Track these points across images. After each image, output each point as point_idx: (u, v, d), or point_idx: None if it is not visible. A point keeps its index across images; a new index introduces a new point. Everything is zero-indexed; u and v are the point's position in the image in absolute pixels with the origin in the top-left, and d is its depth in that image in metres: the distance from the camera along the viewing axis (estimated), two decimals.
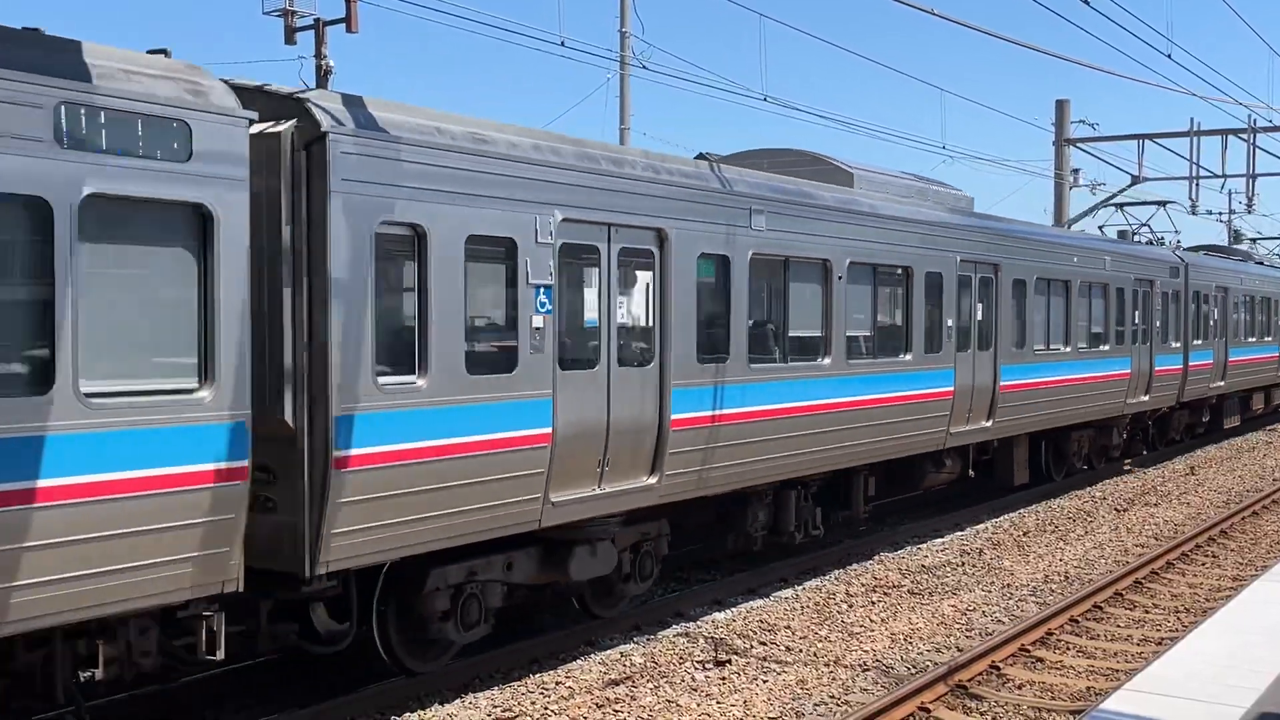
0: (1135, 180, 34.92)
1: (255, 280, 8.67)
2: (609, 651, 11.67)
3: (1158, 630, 12.70)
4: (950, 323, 17.08)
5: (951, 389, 17.15)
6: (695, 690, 10.44)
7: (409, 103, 10.02)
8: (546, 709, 9.90)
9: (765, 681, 10.70)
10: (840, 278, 14.66)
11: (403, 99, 10.42)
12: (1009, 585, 14.69)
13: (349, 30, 21.54)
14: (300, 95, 8.95)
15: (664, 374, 12.05)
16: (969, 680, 10.65)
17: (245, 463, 8.28)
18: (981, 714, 10.02)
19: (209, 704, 10.12)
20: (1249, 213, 37.20)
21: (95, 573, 7.53)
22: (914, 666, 11.24)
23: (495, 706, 9.97)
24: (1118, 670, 11.15)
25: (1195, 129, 33.49)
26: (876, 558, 16.26)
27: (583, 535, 11.47)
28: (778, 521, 14.63)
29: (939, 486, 18.91)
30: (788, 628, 12.49)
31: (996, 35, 15.02)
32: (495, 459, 10.23)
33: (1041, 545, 17.23)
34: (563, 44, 18.24)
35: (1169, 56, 20.23)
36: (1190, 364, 27.22)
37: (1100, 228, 35.18)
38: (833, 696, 10.33)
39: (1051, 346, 20.45)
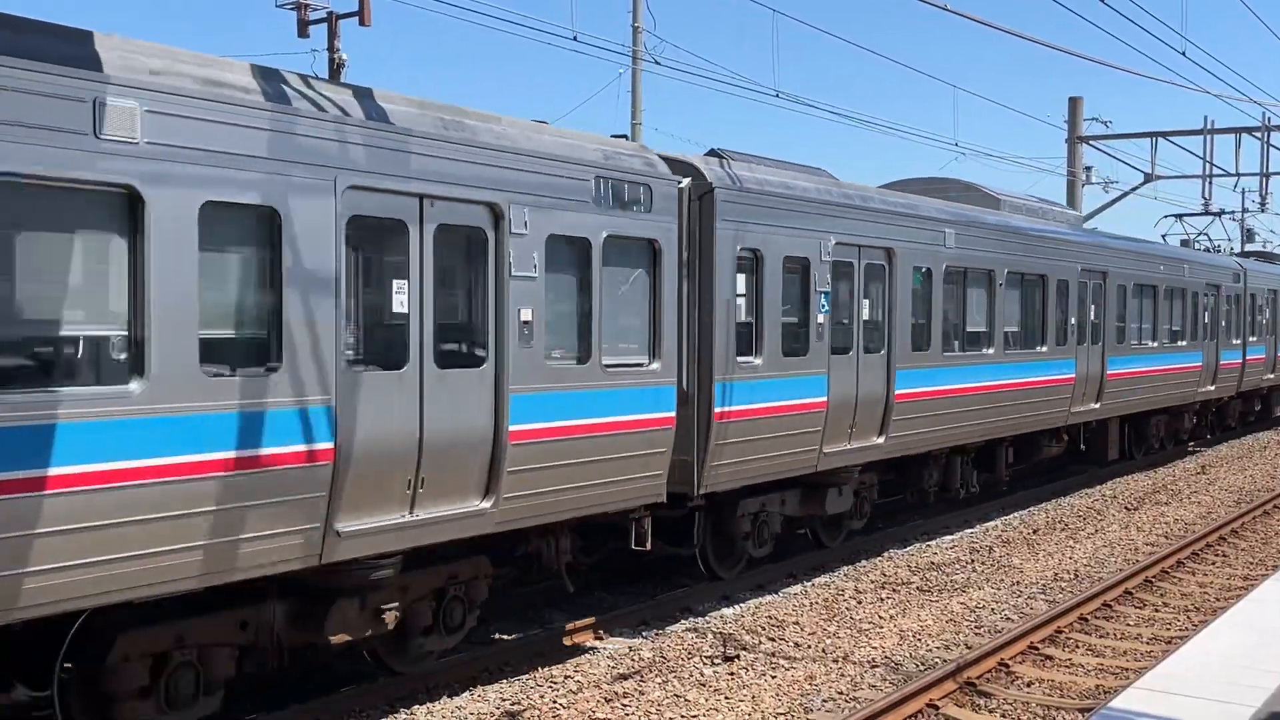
0: (1148, 178, 34.81)
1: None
2: (617, 645, 11.68)
3: (1168, 629, 12.68)
4: (1073, 321, 20.74)
5: (1074, 376, 20.81)
6: (704, 685, 10.45)
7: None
8: (555, 702, 9.91)
9: (774, 677, 10.70)
10: (1000, 284, 18.33)
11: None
12: (1018, 583, 14.67)
13: (362, 24, 21.59)
14: (694, 161, 12.89)
15: (890, 359, 15.70)
16: (978, 678, 10.64)
17: (674, 414, 11.98)
18: (990, 711, 10.01)
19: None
20: (1262, 211, 37.09)
21: (608, 480, 11.28)
22: (923, 663, 11.23)
23: (504, 700, 9.99)
24: (1127, 669, 11.13)
25: (1209, 127, 33.38)
26: (886, 554, 16.25)
27: (834, 480, 15.01)
28: (946, 480, 18.15)
29: (1051, 457, 22.00)
30: (796, 624, 12.49)
31: (1010, 31, 14.98)
32: (793, 419, 13.89)
33: (1051, 543, 17.20)
34: (575, 39, 18.23)
35: (1183, 54, 20.15)
36: (1247, 358, 30.77)
37: (1163, 236, 40.07)
38: (841, 693, 10.33)
39: (1142, 342, 24.07)
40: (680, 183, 12.07)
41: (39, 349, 7.24)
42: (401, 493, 9.24)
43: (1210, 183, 34.62)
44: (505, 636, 11.97)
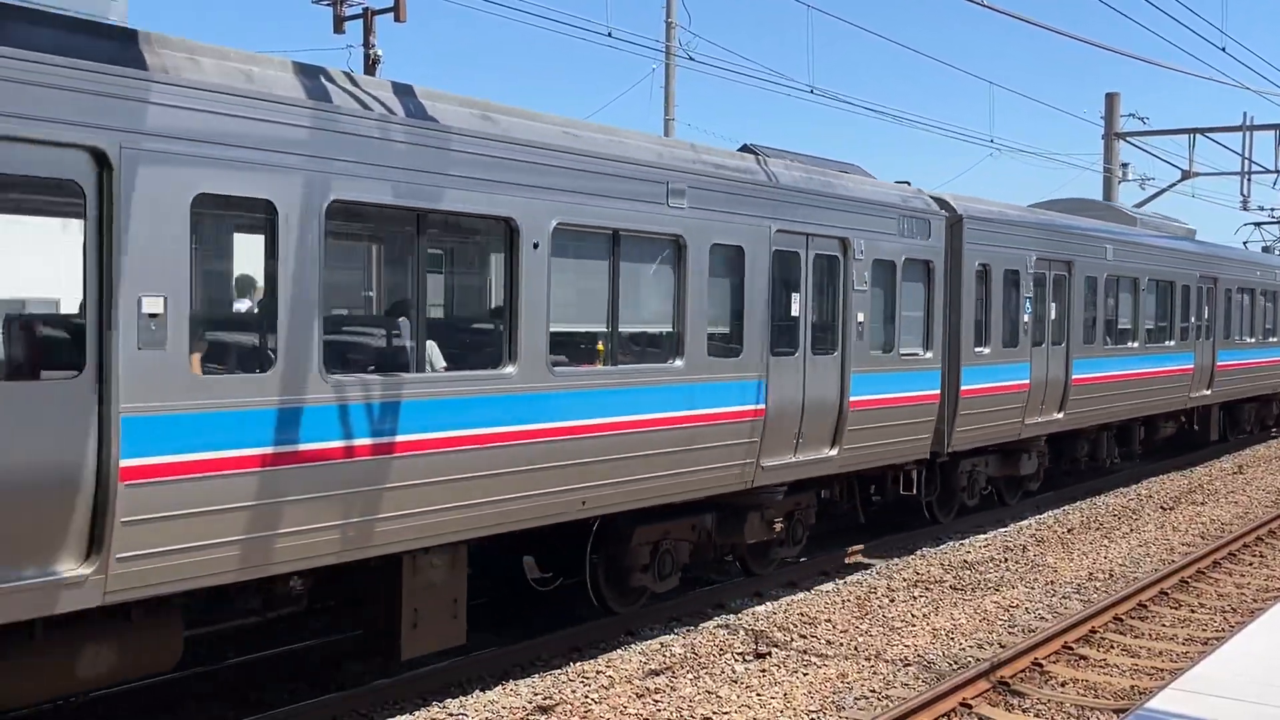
0: (1186, 175, 34.51)
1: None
2: (649, 641, 11.69)
3: (1204, 630, 12.57)
4: (1192, 319, 24.66)
5: (1192, 366, 24.69)
6: (735, 682, 10.44)
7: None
8: (587, 698, 9.92)
9: (805, 674, 10.68)
10: (1142, 289, 22.22)
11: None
12: (1052, 582, 14.59)
13: (397, 19, 21.69)
14: (945, 197, 16.55)
15: (1069, 350, 19.44)
16: (1011, 677, 10.59)
17: (939, 391, 15.87)
18: (1024, 711, 9.96)
19: (253, 688, 10.21)
20: None
21: (901, 440, 15.12)
22: (956, 662, 11.19)
23: (536, 694, 10.01)
24: (1163, 669, 11.04)
25: (1249, 123, 33.04)
26: (918, 552, 16.18)
27: (1026, 447, 18.90)
28: (1094, 454, 21.92)
29: (1165, 438, 25.45)
30: (828, 621, 12.46)
31: (1046, 27, 14.88)
32: (1006, 397, 17.65)
33: (1086, 543, 17.09)
34: (610, 34, 18.23)
35: (1223, 50, 19.94)
36: None
37: (1244, 243, 43.99)
38: (873, 691, 10.30)
39: (1243, 338, 27.97)
40: (945, 215, 16.13)
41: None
42: (790, 441, 13.30)
43: (1249, 180, 34.27)
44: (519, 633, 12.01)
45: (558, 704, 9.74)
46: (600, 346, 11.14)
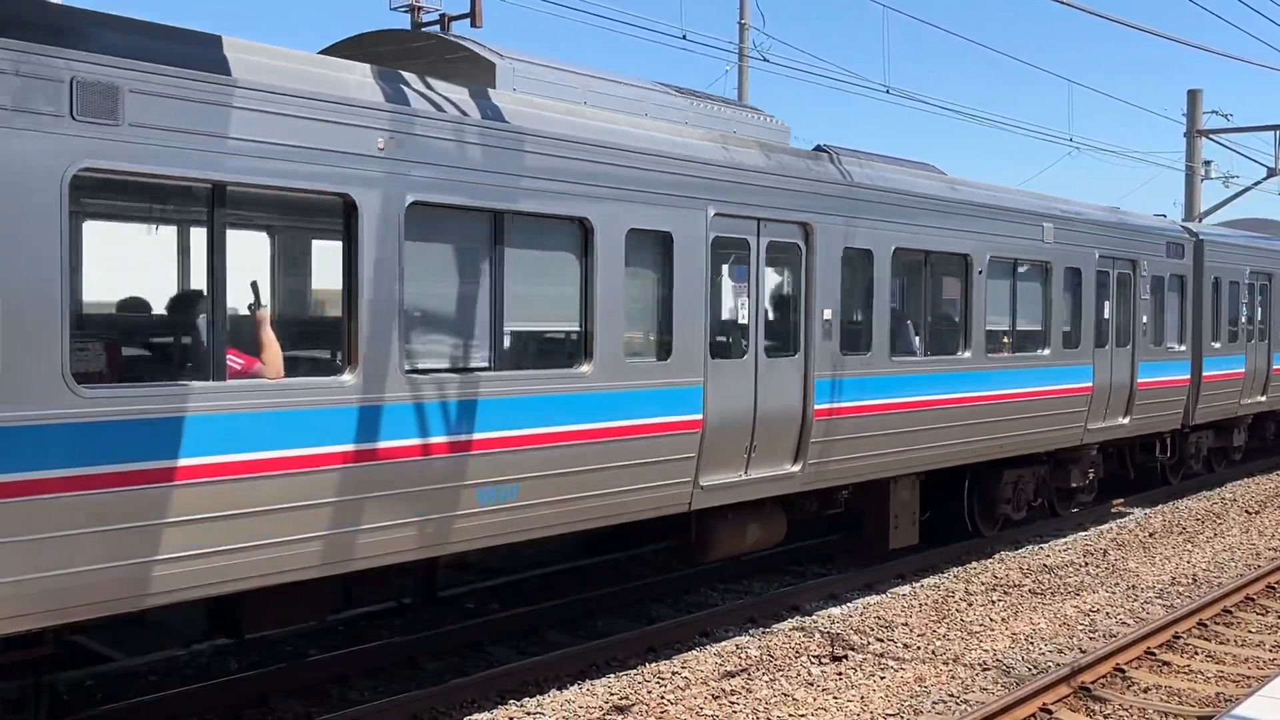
0: (1272, 173, 33.81)
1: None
2: (724, 643, 11.69)
3: None
4: None
5: None
6: (811, 685, 10.41)
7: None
8: (663, 698, 9.95)
9: (883, 678, 10.63)
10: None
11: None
12: (1134, 587, 14.37)
13: (474, 25, 21.82)
14: (1188, 226, 20.26)
15: (1270, 345, 22.80)
16: (1092, 682, 10.45)
17: (1189, 376, 19.74)
18: (1106, 717, 9.83)
19: (335, 680, 10.36)
20: None
21: (1162, 414, 19.08)
22: (1035, 667, 11.07)
23: (612, 694, 10.06)
24: (1249, 676, 10.84)
25: None
26: (996, 556, 16.02)
27: (1238, 424, 22.75)
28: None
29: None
30: (905, 624, 12.38)
31: (1127, 24, 14.66)
32: (1228, 382, 21.16)
33: (1168, 547, 16.81)
34: (684, 37, 18.25)
35: None
36: None
37: None
38: (952, 695, 10.22)
39: None
40: (1192, 240, 20.35)
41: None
42: (1102, 412, 17.76)
43: None
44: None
45: (634, 704, 9.78)
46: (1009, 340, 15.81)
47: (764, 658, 11.14)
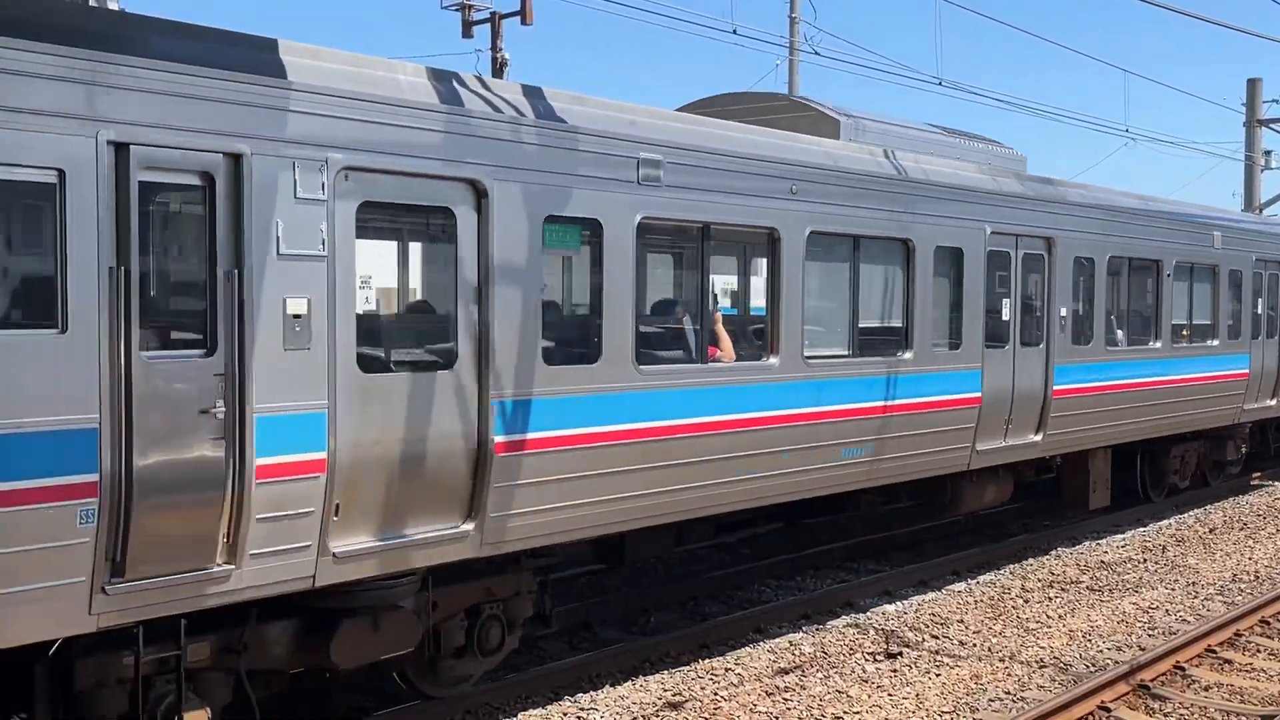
0: None
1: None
2: (778, 640, 11.65)
3: None
4: None
5: None
6: (866, 682, 10.35)
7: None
8: (716, 695, 9.94)
9: (938, 675, 10.55)
10: None
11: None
12: (1194, 584, 14.17)
13: (524, 23, 21.93)
14: None
15: None
16: (1152, 680, 10.32)
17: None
18: (1166, 715, 9.70)
19: (386, 679, 10.42)
20: None
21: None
22: (1093, 664, 10.94)
23: (665, 690, 10.06)
24: None
25: None
26: (1053, 552, 15.86)
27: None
28: None
29: None
30: (961, 621, 12.29)
31: (1185, 13, 14.45)
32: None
33: (1229, 543, 16.56)
34: (734, 31, 18.22)
35: None
36: None
37: None
38: (1008, 692, 10.13)
39: None
40: None
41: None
42: (1255, 395, 20.03)
43: None
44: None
45: (687, 700, 9.77)
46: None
47: (818, 654, 11.10)
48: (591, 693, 10.03)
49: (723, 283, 11.79)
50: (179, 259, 7.42)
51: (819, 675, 10.49)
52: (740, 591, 13.69)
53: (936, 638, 11.72)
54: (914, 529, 16.51)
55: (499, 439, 8.80)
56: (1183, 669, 10.72)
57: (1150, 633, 12.05)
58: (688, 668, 10.72)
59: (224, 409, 7.32)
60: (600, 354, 9.65)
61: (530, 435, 9.05)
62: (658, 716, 9.44)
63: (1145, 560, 15.37)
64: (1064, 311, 15.08)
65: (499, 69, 22.41)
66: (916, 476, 13.22)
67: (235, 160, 7.35)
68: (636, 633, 12.10)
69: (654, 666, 10.93)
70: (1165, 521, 18.23)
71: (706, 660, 10.95)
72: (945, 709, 9.69)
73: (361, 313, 8.22)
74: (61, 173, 6.62)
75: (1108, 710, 9.65)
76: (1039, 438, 14.76)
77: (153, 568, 7.05)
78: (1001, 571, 14.72)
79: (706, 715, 9.48)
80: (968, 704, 9.82)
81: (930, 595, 13.53)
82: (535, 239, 9.07)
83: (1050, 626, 12.19)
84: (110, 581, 6.91)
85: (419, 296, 9.28)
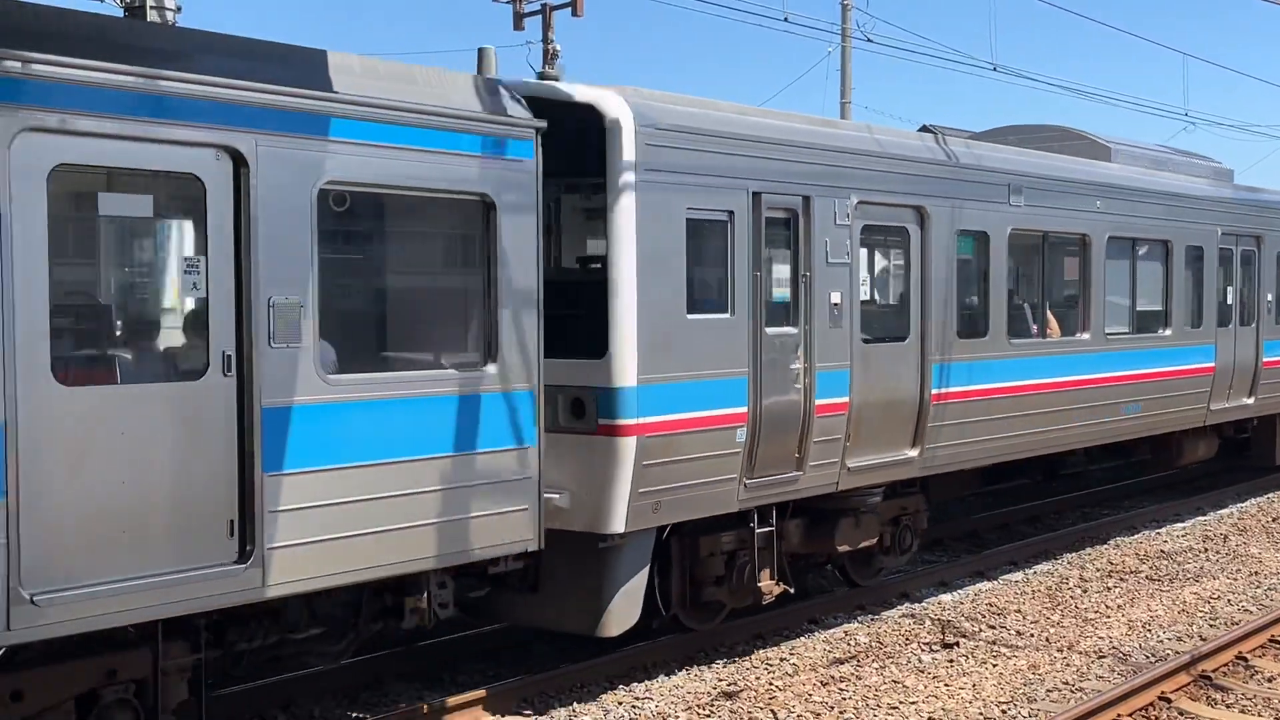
0: None
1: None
2: (833, 630, 11.62)
3: None
4: None
5: None
6: (922, 672, 10.30)
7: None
8: (771, 684, 9.93)
9: (995, 665, 10.47)
10: None
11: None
12: (1257, 573, 13.96)
13: (575, 14, 21.93)
14: None
15: None
16: (1214, 671, 10.19)
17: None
18: (1228, 706, 9.58)
19: (445, 665, 10.50)
20: None
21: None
22: (1153, 655, 10.82)
23: (721, 680, 10.06)
24: None
25: None
26: (1112, 542, 15.69)
27: None
28: None
29: None
30: (1018, 611, 12.19)
31: None
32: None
33: None
34: (786, 19, 18.14)
35: None
36: None
37: None
38: (1066, 683, 10.04)
39: None
40: None
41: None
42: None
43: None
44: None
45: (742, 690, 9.77)
46: None
47: (873, 645, 11.06)
48: (646, 682, 10.05)
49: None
50: (780, 266, 10.66)
51: (874, 665, 10.45)
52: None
53: (993, 628, 11.64)
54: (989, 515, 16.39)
55: (934, 391, 12.17)
56: (1245, 659, 10.58)
57: (1212, 623, 11.90)
58: (743, 657, 10.72)
59: (803, 365, 10.66)
60: (988, 330, 12.92)
61: (949, 389, 12.41)
62: (713, 706, 9.45)
63: (1206, 549, 15.17)
64: (1270, 297, 18.37)
65: (550, 61, 22.45)
66: (1169, 430, 16.27)
67: (806, 201, 10.68)
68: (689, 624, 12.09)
69: (708, 656, 10.93)
70: (1226, 510, 17.97)
71: (761, 650, 10.95)
72: (1002, 699, 9.63)
73: (864, 301, 11.61)
74: (730, 213, 10.03)
75: (1168, 701, 9.55)
76: (1251, 400, 17.89)
77: (767, 471, 10.43)
78: (1059, 561, 14.59)
79: (761, 705, 9.48)
80: (1025, 694, 9.75)
81: (986, 585, 13.43)
82: (951, 248, 12.27)
83: (1109, 616, 12.06)
84: (748, 479, 10.21)
85: (887, 291, 12.70)
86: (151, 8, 9.48)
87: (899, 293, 12.35)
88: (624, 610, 9.61)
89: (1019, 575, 13.88)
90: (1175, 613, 12.25)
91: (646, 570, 9.72)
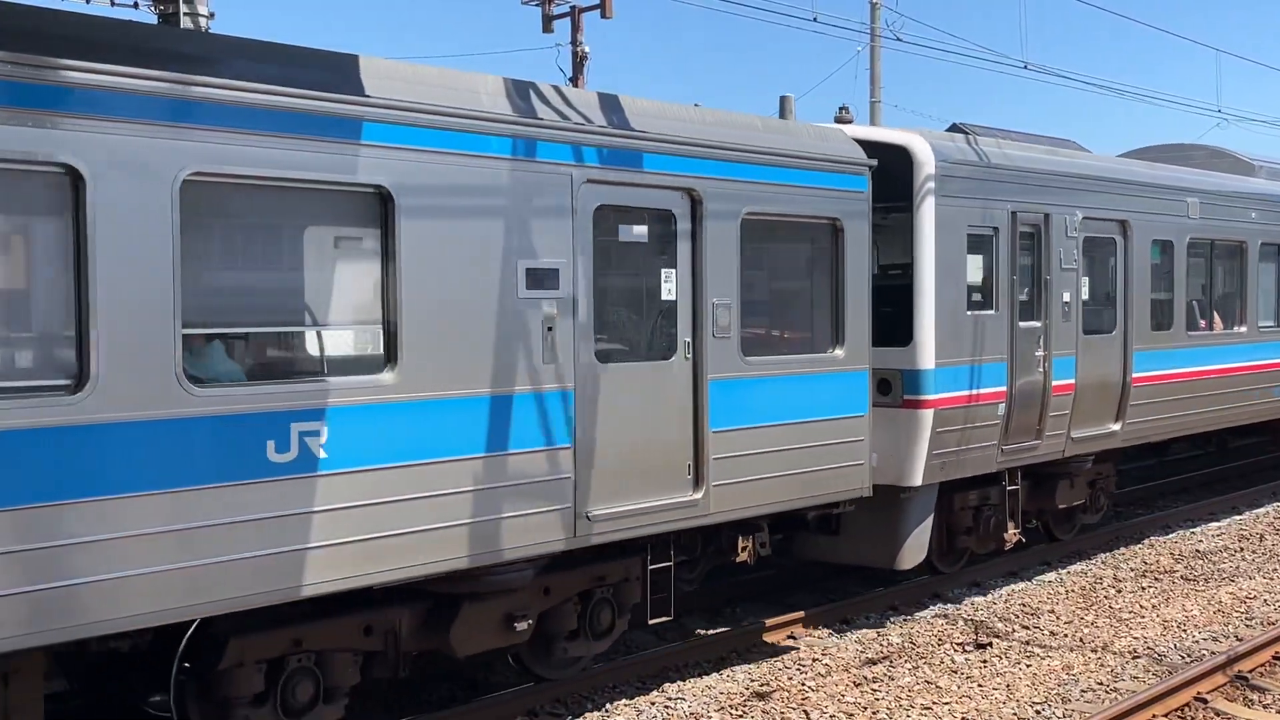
0: None
1: None
2: (866, 630, 11.60)
3: None
4: None
5: None
6: (955, 672, 10.28)
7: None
8: (804, 685, 9.93)
9: (1029, 665, 10.44)
10: None
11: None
12: None
13: (604, 16, 21.99)
14: None
15: None
16: (1250, 671, 10.12)
17: None
18: (1265, 707, 9.51)
19: (478, 665, 10.56)
20: None
21: None
22: (1189, 655, 10.76)
23: (753, 680, 10.07)
24: None
25: None
26: (1146, 541, 15.59)
27: None
28: None
29: None
30: (1051, 612, 12.14)
31: None
32: None
33: None
34: (815, 19, 18.12)
35: None
36: None
37: None
38: (1101, 683, 9.99)
39: None
40: None
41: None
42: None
43: None
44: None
45: (774, 690, 9.78)
46: None
47: (906, 645, 11.04)
48: (679, 682, 10.07)
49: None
50: (1026, 271, 13.02)
51: (907, 666, 10.44)
52: (827, 582, 13.64)
53: (1027, 628, 11.60)
54: None
55: (1134, 375, 14.54)
56: None
57: (1248, 623, 11.82)
58: (775, 658, 10.72)
59: (1044, 353, 13.11)
60: (1171, 324, 15.27)
61: (1144, 374, 14.67)
62: (745, 706, 9.46)
63: (1242, 549, 15.06)
64: None
65: (579, 63, 22.51)
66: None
67: (1047, 218, 13.14)
68: (722, 623, 12.12)
69: (741, 657, 10.95)
70: (1262, 509, 17.82)
71: (794, 650, 10.94)
72: (1036, 699, 9.59)
73: (1084, 300, 13.81)
74: (995, 229, 12.47)
75: (1204, 701, 9.49)
76: None
77: (1016, 440, 12.85)
78: (1093, 561, 14.51)
79: (794, 705, 9.48)
80: (1059, 695, 9.71)
81: (1020, 585, 13.38)
82: (1146, 254, 14.74)
83: (1144, 616, 12.00)
84: (1004, 445, 12.72)
85: (1099, 292, 14.44)
86: (185, 14, 9.59)
87: (1106, 292, 14.58)
88: (915, 549, 12.04)
89: (1052, 575, 13.82)
90: (1211, 612, 12.17)
91: (932, 517, 12.19)
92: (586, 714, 9.43)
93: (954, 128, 13.37)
